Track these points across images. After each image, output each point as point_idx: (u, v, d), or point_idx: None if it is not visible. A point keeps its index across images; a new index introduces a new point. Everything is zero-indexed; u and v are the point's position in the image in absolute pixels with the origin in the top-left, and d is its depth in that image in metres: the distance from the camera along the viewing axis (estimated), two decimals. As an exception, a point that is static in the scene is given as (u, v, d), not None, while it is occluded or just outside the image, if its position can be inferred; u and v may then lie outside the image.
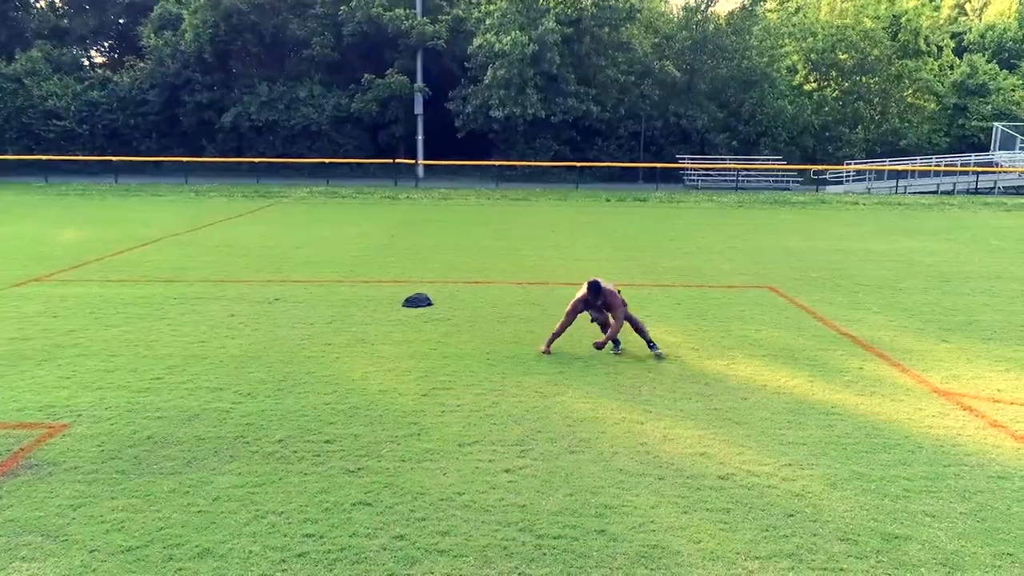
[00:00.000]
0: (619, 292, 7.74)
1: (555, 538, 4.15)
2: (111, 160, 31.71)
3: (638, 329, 7.70)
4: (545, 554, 3.99)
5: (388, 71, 34.78)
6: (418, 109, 35.53)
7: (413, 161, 34.71)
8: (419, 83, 35.24)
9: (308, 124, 34.63)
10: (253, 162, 32.90)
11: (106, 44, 42.46)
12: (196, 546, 4.03)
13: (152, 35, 34.52)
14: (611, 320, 7.66)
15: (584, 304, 7.55)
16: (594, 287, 7.46)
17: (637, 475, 4.96)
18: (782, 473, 5.01)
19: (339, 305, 9.76)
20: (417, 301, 9.84)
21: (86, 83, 35.76)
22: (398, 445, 5.40)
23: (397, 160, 33.13)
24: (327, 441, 5.45)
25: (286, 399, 6.31)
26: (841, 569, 3.88)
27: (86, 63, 39.88)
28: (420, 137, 36.15)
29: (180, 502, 4.53)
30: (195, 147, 35.44)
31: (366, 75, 34.66)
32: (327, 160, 32.73)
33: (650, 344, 7.66)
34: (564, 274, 12.10)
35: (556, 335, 7.68)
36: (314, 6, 35.70)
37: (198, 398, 6.30)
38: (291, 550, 4.00)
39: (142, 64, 35.26)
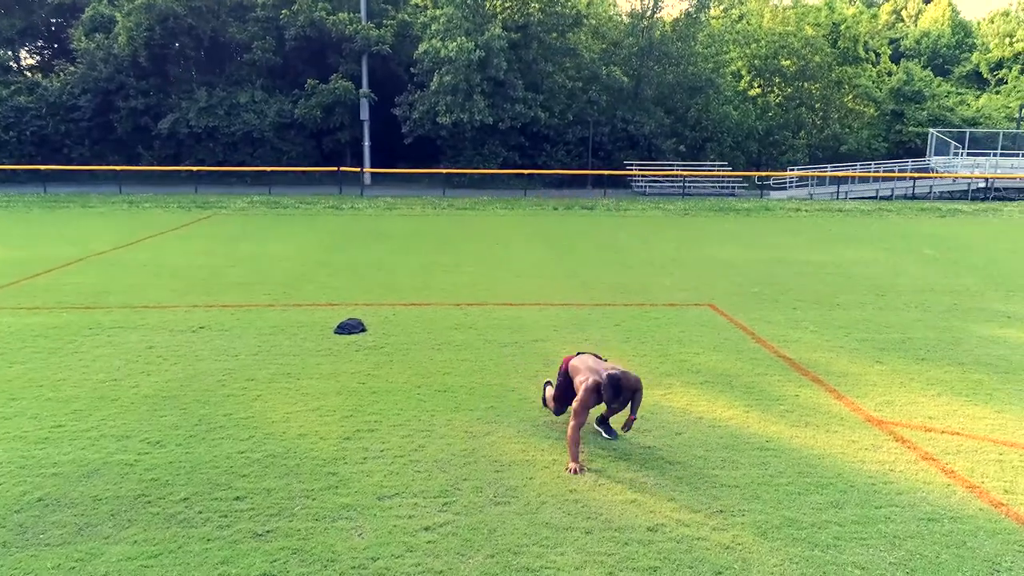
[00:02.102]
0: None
1: (470, 612, 3.90)
2: (40, 169, 30.39)
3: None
4: (458, 632, 3.74)
5: (333, 76, 34.12)
6: (364, 115, 34.96)
7: (359, 169, 34.10)
8: (365, 88, 34.66)
9: (250, 130, 33.74)
10: (192, 170, 31.90)
11: (35, 46, 40.73)
12: (73, 638, 3.66)
13: (83, 38, 33.23)
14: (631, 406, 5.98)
15: (596, 395, 5.73)
16: (614, 385, 5.63)
17: (564, 529, 4.74)
18: (712, 522, 4.85)
19: (267, 333, 9.34)
20: (349, 327, 9.48)
21: (12, 88, 34.22)
22: (313, 500, 5.08)
23: (342, 168, 32.50)
24: (236, 498, 5.10)
25: (198, 447, 5.92)
26: (767, 638, 3.72)
27: (14, 66, 38.19)
28: (367, 143, 35.57)
29: (63, 581, 4.14)
30: (131, 155, 34.25)
31: (310, 80, 33.95)
32: (269, 168, 31.93)
33: (629, 423, 5.96)
34: (505, 293, 11.87)
35: (576, 443, 5.66)
36: (254, 9, 34.82)
37: (101, 449, 5.86)
38: (180, 639, 3.66)
39: (73, 68, 33.90)
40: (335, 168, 32.37)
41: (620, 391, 5.70)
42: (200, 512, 4.91)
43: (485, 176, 34.51)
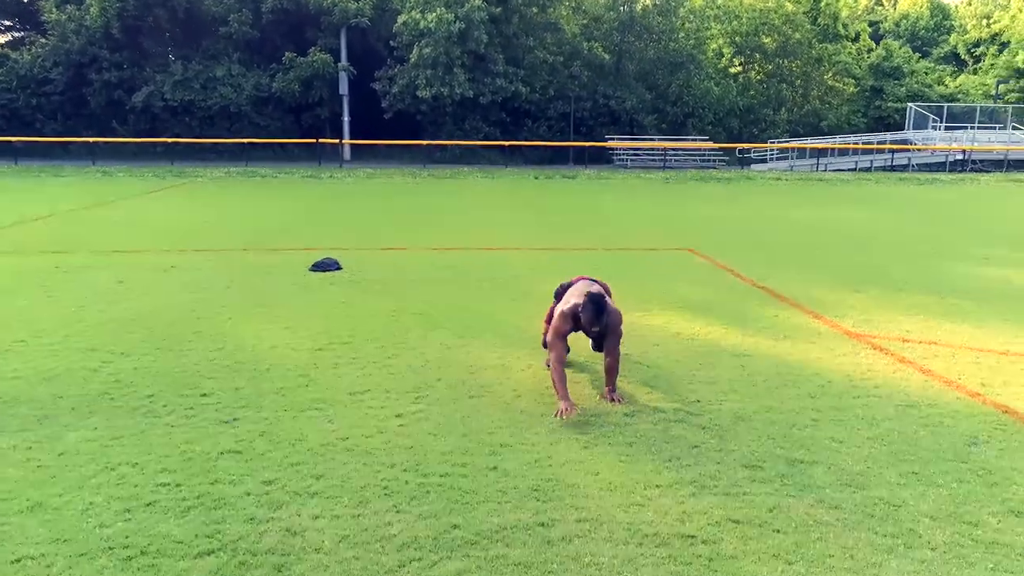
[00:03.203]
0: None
1: (441, 476, 3.80)
2: (11, 141, 29.73)
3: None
4: (428, 492, 3.64)
5: (311, 50, 33.64)
6: (343, 89, 34.53)
7: (337, 140, 33.72)
8: (343, 62, 34.23)
9: (226, 104, 33.20)
10: (167, 142, 31.34)
11: (3, 25, 39.73)
12: (27, 500, 3.51)
13: (54, 9, 32.48)
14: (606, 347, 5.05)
15: (575, 323, 4.92)
16: (597, 306, 4.77)
17: (539, 416, 4.65)
18: (689, 408, 4.79)
19: (240, 271, 9.16)
20: (325, 265, 9.32)
21: (-18, 61, 33.45)
22: (283, 396, 4.95)
23: (321, 140, 32.09)
24: (203, 395, 4.95)
25: (165, 356, 5.76)
26: (744, 493, 3.66)
27: (-17, 40, 37.30)
28: (346, 118, 35.17)
29: (18, 458, 3.98)
30: (104, 129, 33.55)
31: (287, 54, 33.43)
32: (246, 140, 31.45)
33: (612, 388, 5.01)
34: (483, 239, 11.76)
35: (562, 379, 4.72)
36: (230, -19, 34.19)
37: (64, 359, 5.68)
38: (139, 499, 3.52)
39: (44, 40, 33.16)
40: (314, 140, 31.95)
41: (602, 312, 4.78)
42: (164, 406, 4.76)
43: (466, 152, 34.22)
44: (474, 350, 6.04)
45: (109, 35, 32.48)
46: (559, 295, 5.45)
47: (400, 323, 6.81)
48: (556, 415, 4.55)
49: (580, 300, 4.87)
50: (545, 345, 5.52)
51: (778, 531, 3.32)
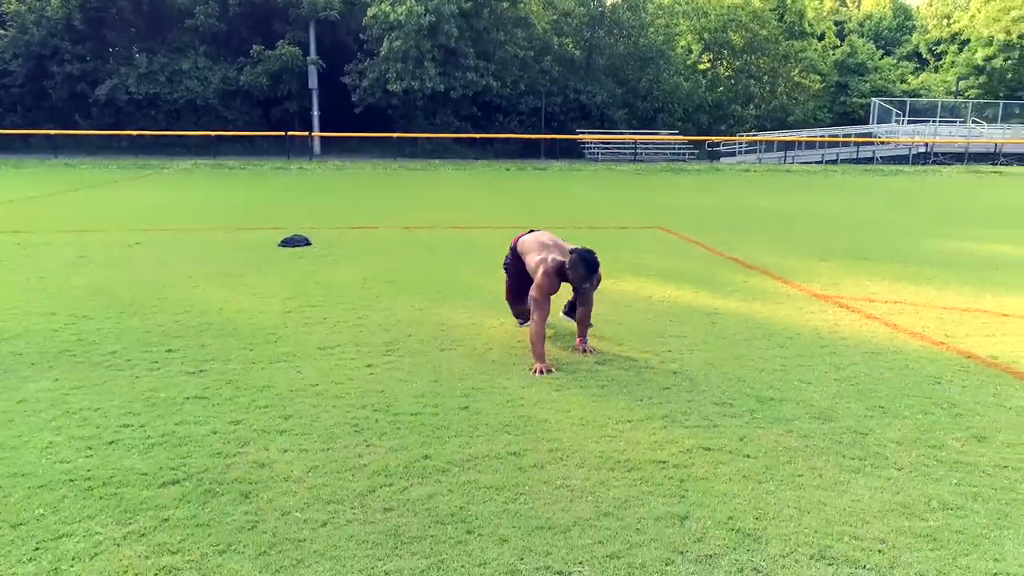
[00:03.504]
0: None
1: (413, 415, 3.77)
2: (-32, 135, 28.98)
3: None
4: (399, 428, 3.60)
5: (279, 43, 33.28)
6: (312, 83, 34.22)
7: (307, 134, 33.37)
8: (312, 55, 33.92)
9: (193, 98, 32.72)
10: (132, 135, 30.75)
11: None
12: (-17, 441, 3.41)
13: (14, 0, 31.73)
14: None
15: (561, 279, 4.75)
16: (589, 263, 4.64)
17: (511, 365, 4.64)
18: (661, 357, 4.81)
19: (207, 247, 9.02)
20: (294, 241, 9.21)
21: (-62, 53, 32.53)
22: (250, 351, 4.87)
23: (290, 133, 31.72)
24: (168, 350, 4.86)
25: (129, 319, 5.64)
26: (715, 425, 3.67)
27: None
28: (316, 112, 34.85)
29: (-25, 406, 3.87)
30: (67, 123, 32.82)
31: (255, 47, 33.04)
32: (214, 133, 30.97)
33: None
34: (454, 220, 11.72)
35: (541, 339, 4.57)
36: (196, -27, 33.67)
37: (24, 322, 5.54)
38: (101, 439, 3.44)
39: (3, 31, 32.35)
40: (283, 133, 31.58)
41: (595, 269, 4.66)
42: (128, 360, 4.66)
43: (437, 147, 34.10)
44: (445, 311, 6.01)
45: (71, 27, 31.84)
46: (510, 268, 5.30)
47: (370, 289, 6.76)
48: (532, 373, 4.44)
49: (560, 256, 4.76)
50: (516, 315, 5.52)
51: (748, 456, 3.34)
